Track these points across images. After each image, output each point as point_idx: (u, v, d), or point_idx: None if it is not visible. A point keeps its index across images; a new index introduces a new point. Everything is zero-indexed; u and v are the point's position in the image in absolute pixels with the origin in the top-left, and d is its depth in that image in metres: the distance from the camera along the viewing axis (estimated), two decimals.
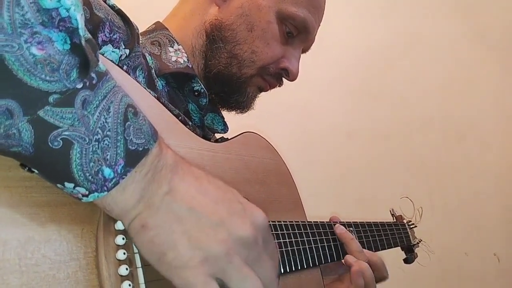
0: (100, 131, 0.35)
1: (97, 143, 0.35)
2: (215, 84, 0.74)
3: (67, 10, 0.33)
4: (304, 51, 0.81)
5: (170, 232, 0.37)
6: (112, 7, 0.57)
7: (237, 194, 0.43)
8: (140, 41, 0.64)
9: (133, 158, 0.36)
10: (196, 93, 0.72)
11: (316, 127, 1.75)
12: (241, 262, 0.38)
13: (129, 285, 0.41)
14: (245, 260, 0.39)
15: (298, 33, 0.75)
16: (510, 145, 2.02)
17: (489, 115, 2.03)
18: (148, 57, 0.67)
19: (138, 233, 0.38)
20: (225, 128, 0.80)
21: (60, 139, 0.33)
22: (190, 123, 0.67)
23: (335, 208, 1.65)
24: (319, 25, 0.80)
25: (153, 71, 0.66)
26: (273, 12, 0.72)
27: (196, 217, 0.38)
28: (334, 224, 0.80)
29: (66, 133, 0.33)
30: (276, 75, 0.76)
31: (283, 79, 0.78)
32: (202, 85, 0.71)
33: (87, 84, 0.34)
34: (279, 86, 0.79)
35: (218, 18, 0.72)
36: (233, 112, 0.79)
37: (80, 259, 0.40)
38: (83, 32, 0.34)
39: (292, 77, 0.76)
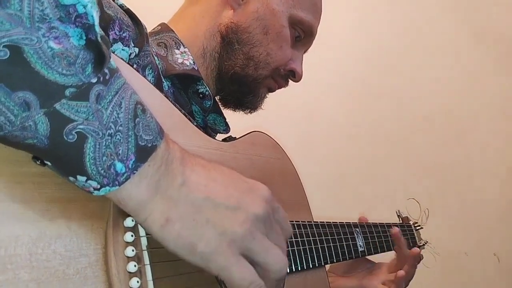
0: (112, 126, 0.35)
1: (110, 137, 0.35)
2: (231, 85, 0.76)
3: (84, 6, 0.34)
4: (304, 52, 0.85)
5: (194, 223, 0.39)
6: (121, 7, 0.58)
7: (240, 175, 0.45)
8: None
9: (143, 153, 0.37)
10: (200, 95, 0.73)
11: (317, 127, 1.75)
12: (262, 236, 0.42)
13: (137, 281, 0.41)
14: (263, 234, 0.42)
15: (304, 36, 0.79)
16: (510, 145, 2.02)
17: (489, 115, 2.03)
18: (155, 58, 0.67)
19: (161, 227, 0.39)
20: (227, 129, 0.81)
21: (75, 132, 0.34)
22: (194, 123, 0.68)
23: (336, 208, 1.65)
24: None
25: (160, 71, 0.66)
26: (286, 16, 0.76)
27: (213, 204, 0.40)
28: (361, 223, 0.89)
29: (81, 126, 0.34)
30: (285, 76, 0.80)
31: (289, 80, 0.82)
32: (207, 88, 0.73)
33: (101, 79, 0.35)
34: (285, 87, 0.83)
35: (233, 21, 0.75)
36: (241, 112, 0.82)
37: (89, 255, 0.40)
38: (99, 29, 0.35)
39: (298, 78, 0.81)
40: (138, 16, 0.60)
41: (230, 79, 0.75)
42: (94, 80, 0.34)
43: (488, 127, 2.01)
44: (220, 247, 0.39)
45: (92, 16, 0.34)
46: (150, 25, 0.72)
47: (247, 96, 0.77)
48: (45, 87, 0.32)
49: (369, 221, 0.91)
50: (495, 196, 1.95)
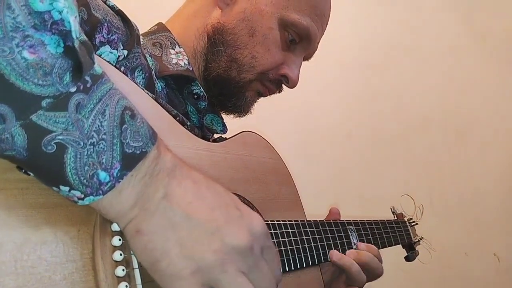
0: (95, 135, 0.35)
1: (92, 146, 0.35)
2: (214, 87, 0.74)
3: (60, 12, 0.33)
4: (306, 58, 0.81)
5: (164, 239, 0.37)
6: (112, 8, 0.57)
7: (236, 200, 0.42)
8: (142, 42, 0.64)
9: (129, 161, 0.36)
10: (195, 96, 0.72)
11: (316, 127, 1.75)
12: (235, 271, 0.38)
13: (126, 286, 0.41)
14: (240, 269, 0.38)
15: (300, 40, 0.75)
16: (510, 144, 2.01)
17: (489, 114, 2.02)
18: (149, 58, 0.67)
19: (132, 237, 0.38)
20: (224, 129, 0.80)
21: (54, 143, 0.33)
22: (188, 123, 0.67)
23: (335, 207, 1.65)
24: (323, 33, 0.80)
25: (153, 72, 0.66)
26: (276, 18, 0.72)
27: (191, 225, 0.38)
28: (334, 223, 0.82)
29: (60, 137, 0.33)
30: (276, 81, 0.76)
31: (283, 85, 0.79)
32: (201, 88, 0.71)
33: (81, 87, 0.34)
34: (279, 92, 0.79)
35: (220, 21, 0.73)
36: (231, 116, 0.80)
37: (76, 260, 0.40)
38: (77, 35, 0.34)
39: (291, 84, 0.76)
40: (135, 17, 0.60)
41: (213, 81, 0.73)
42: (73, 89, 0.33)
43: (488, 127, 2.01)
44: (183, 272, 0.37)
45: (69, 22, 0.33)
46: (143, 25, 0.72)
47: (230, 100, 0.74)
48: (20, 99, 0.32)
49: (352, 218, 0.89)
50: (495, 196, 1.95)
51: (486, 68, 2.05)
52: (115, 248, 0.42)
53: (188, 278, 0.37)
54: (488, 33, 2.07)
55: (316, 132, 1.74)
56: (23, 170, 0.36)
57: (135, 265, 0.43)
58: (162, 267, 0.37)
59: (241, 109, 0.77)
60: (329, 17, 0.79)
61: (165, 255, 0.37)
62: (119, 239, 0.42)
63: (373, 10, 1.93)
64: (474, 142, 1.98)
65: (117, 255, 0.41)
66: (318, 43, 0.80)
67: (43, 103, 0.32)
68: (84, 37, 0.35)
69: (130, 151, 0.36)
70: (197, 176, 0.41)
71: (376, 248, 0.83)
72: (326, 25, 0.80)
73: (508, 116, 2.04)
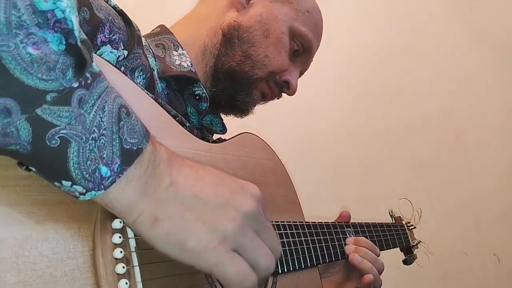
0: (96, 130, 0.35)
1: (93, 141, 0.35)
2: (225, 80, 0.76)
3: (63, 11, 0.34)
4: (301, 73, 0.86)
5: (183, 221, 0.39)
6: (114, 8, 0.58)
7: (230, 175, 0.45)
8: (144, 43, 0.65)
9: (128, 157, 0.37)
10: (197, 97, 0.73)
11: (316, 127, 1.75)
12: (253, 233, 0.42)
13: (126, 283, 0.41)
14: (255, 231, 0.43)
15: (302, 51, 0.80)
16: (510, 145, 2.02)
17: (489, 114, 2.02)
18: (152, 59, 0.68)
19: (151, 227, 0.39)
20: (223, 129, 0.81)
21: (58, 137, 0.34)
22: (188, 124, 0.68)
23: (334, 208, 1.65)
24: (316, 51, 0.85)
25: (155, 72, 0.67)
26: (287, 26, 0.78)
27: (203, 202, 0.40)
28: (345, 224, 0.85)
29: (64, 131, 0.34)
30: (279, 85, 0.80)
31: (282, 93, 0.83)
32: (204, 89, 0.73)
33: (83, 83, 0.35)
34: (278, 98, 0.83)
35: (237, 20, 0.77)
36: (232, 116, 0.82)
37: (77, 257, 0.41)
38: (78, 33, 0.35)
39: (292, 91, 0.81)
40: (135, 17, 0.61)
41: (225, 74, 0.75)
42: (75, 85, 0.34)
43: (488, 127, 2.01)
44: (211, 243, 0.39)
45: (71, 20, 0.34)
46: (143, 26, 0.72)
47: (239, 94, 0.77)
48: (26, 93, 0.32)
49: (351, 220, 0.90)
50: (495, 196, 1.95)
51: (486, 68, 2.05)
52: (115, 245, 0.43)
53: (218, 248, 0.39)
54: (488, 32, 2.07)
55: (316, 133, 1.75)
56: (24, 167, 0.37)
57: (135, 262, 0.44)
58: (191, 246, 0.39)
59: (247, 107, 0.80)
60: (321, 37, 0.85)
61: (190, 234, 0.39)
62: (119, 237, 0.43)
63: (373, 10, 1.93)
64: (474, 143, 1.98)
65: (118, 253, 0.42)
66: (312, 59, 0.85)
67: (48, 97, 0.33)
68: (84, 36, 0.36)
69: (128, 147, 0.37)
70: (191, 162, 0.43)
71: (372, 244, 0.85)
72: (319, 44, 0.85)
73: (508, 116, 2.04)
